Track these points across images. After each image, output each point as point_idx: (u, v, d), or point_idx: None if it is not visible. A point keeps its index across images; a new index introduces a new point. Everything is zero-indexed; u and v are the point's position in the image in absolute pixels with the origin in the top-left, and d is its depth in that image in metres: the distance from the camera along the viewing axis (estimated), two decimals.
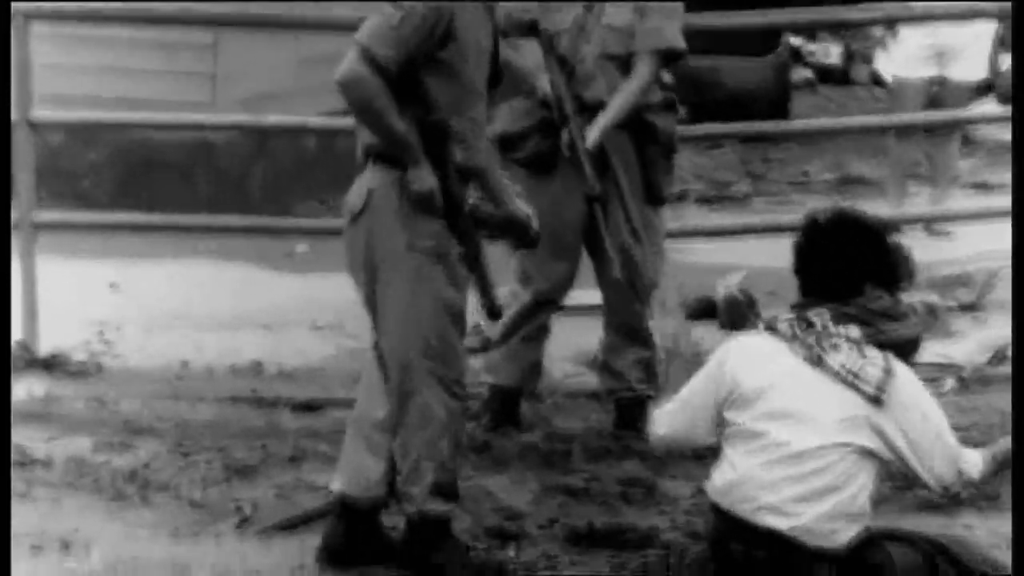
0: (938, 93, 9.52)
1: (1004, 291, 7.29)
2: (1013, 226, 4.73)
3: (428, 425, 4.32)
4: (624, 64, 5.41)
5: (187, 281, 7.80)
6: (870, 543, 4.15)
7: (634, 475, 5.12)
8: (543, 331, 5.60)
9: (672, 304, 6.96)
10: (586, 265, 5.59)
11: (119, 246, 8.01)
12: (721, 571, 4.28)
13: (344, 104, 4.30)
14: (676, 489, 4.90)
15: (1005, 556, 4.36)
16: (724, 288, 7.11)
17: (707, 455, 4.44)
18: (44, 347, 6.39)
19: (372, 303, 4.37)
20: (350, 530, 4.41)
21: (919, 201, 9.57)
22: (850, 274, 4.24)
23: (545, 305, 5.55)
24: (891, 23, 9.37)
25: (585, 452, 5.35)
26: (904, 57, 9.59)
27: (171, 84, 9.25)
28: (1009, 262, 7.49)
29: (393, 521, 4.51)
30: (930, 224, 8.80)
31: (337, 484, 4.44)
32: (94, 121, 8.12)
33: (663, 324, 5.85)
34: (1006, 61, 11.85)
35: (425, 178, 4.25)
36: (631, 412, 5.56)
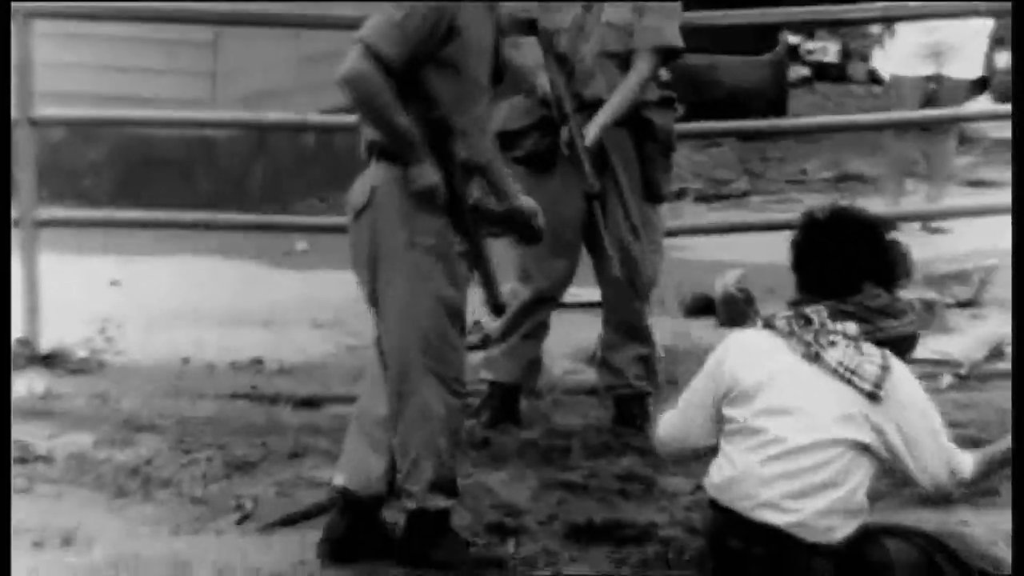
0: (935, 91, 9.53)
1: (1001, 288, 7.31)
2: (1013, 225, 4.73)
3: (427, 422, 4.31)
4: (623, 62, 5.41)
5: (188, 278, 7.80)
6: (868, 539, 4.15)
7: (633, 471, 5.12)
8: (542, 328, 5.60)
9: (671, 301, 6.97)
10: (585, 262, 5.58)
11: (120, 243, 8.02)
12: (719, 567, 4.28)
13: (347, 101, 4.30)
14: (675, 485, 4.90)
15: (1002, 552, 4.37)
16: (722, 285, 7.12)
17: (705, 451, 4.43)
18: (46, 344, 6.38)
19: (374, 300, 4.37)
20: (351, 525, 4.41)
21: (916, 198, 9.57)
22: (848, 271, 4.24)
23: (544, 302, 5.55)
24: (888, 21, 9.37)
25: (584, 448, 5.35)
26: (901, 55, 9.60)
27: (171, 82, 9.25)
28: (1006, 259, 7.52)
29: (393, 517, 4.51)
30: (927, 221, 8.81)
31: (339, 479, 4.44)
32: (95, 119, 8.13)
33: (662, 321, 5.85)
34: (1002, 59, 11.87)
35: (428, 174, 4.25)
36: (630, 408, 5.57)
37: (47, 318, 6.45)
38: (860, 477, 4.14)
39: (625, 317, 5.54)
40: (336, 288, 7.32)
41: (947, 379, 6.19)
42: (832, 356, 4.14)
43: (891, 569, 4.13)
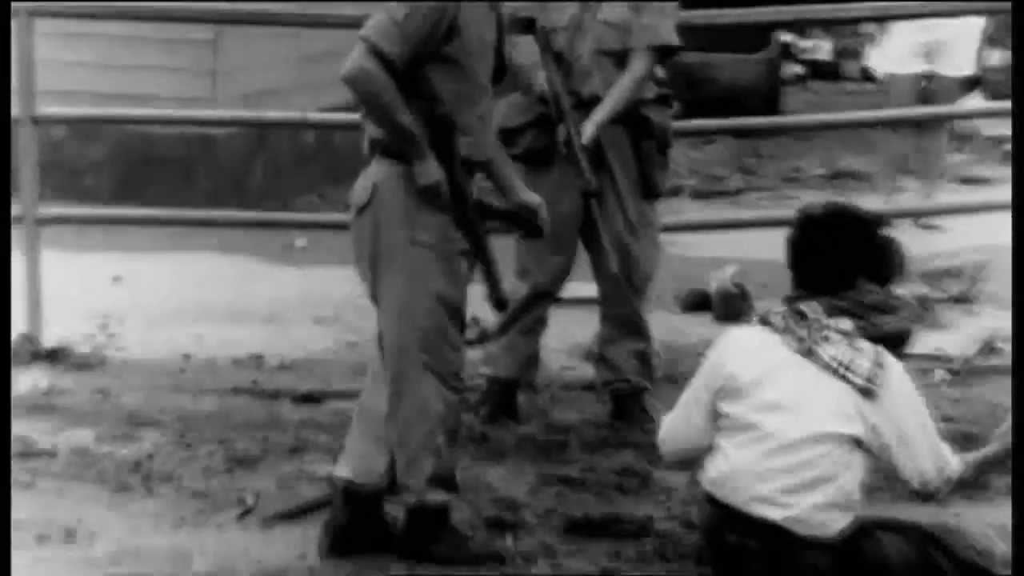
0: (927, 88, 9.53)
1: (993, 283, 7.31)
2: (1013, 224, 4.72)
3: (426, 418, 4.31)
4: (620, 60, 5.40)
5: (189, 275, 7.80)
6: (863, 533, 4.15)
7: (630, 465, 5.12)
8: (540, 323, 5.59)
9: (667, 297, 6.97)
10: (582, 258, 5.58)
11: (121, 240, 8.02)
12: (716, 561, 4.28)
13: (351, 99, 4.30)
14: (671, 479, 4.89)
15: (994, 544, 4.37)
16: (718, 281, 7.12)
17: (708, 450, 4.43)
18: (48, 340, 6.38)
19: (376, 296, 4.37)
20: (352, 517, 4.41)
21: (909, 195, 9.57)
22: (843, 268, 4.24)
23: (542, 298, 5.55)
24: (881, 20, 9.37)
25: (582, 443, 5.34)
26: (894, 53, 9.60)
27: (172, 80, 9.24)
28: (998, 255, 7.52)
29: (393, 513, 4.50)
30: (920, 217, 8.81)
31: (342, 472, 4.44)
32: (96, 117, 8.12)
33: (658, 317, 5.85)
34: (993, 57, 11.87)
35: (431, 171, 4.25)
36: (627, 403, 5.56)
37: (50, 315, 6.44)
38: (854, 471, 4.14)
39: (622, 313, 5.54)
40: (336, 284, 7.32)
41: (940, 374, 6.19)
42: (826, 352, 4.14)
43: (887, 563, 4.14)
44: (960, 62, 9.66)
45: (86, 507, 4.78)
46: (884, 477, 4.43)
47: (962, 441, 5.19)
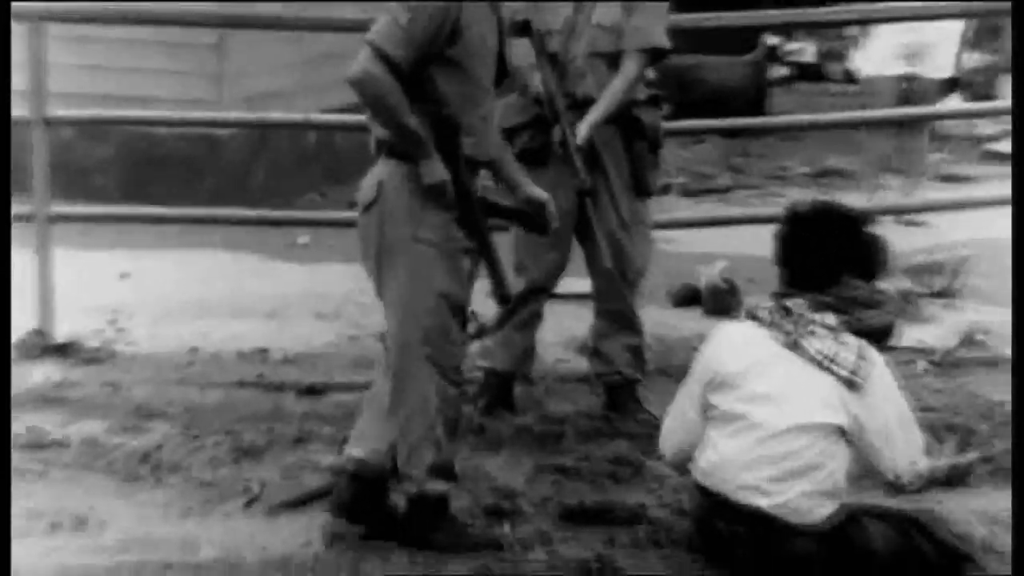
0: (908, 90, 9.54)
1: (974, 278, 7.32)
2: (1013, 222, 4.71)
3: (426, 410, 4.31)
4: (612, 62, 5.39)
5: (195, 271, 7.79)
6: (848, 519, 4.15)
7: (623, 455, 5.11)
8: (536, 318, 5.59)
9: (659, 292, 6.96)
10: (577, 254, 5.58)
11: (128, 238, 8.01)
12: (706, 547, 4.29)
13: (351, 100, 4.30)
14: (663, 468, 4.88)
15: (975, 530, 4.38)
16: (707, 276, 7.12)
17: None
18: (59, 335, 6.37)
19: (381, 291, 4.37)
20: (358, 495, 4.40)
21: (891, 193, 9.58)
22: (829, 265, 4.24)
23: (538, 293, 5.54)
24: (864, 23, 9.38)
25: (576, 433, 5.34)
26: (877, 55, 9.61)
27: (178, 83, 9.24)
28: (978, 250, 7.54)
29: (394, 503, 4.49)
30: (902, 214, 8.81)
31: (354, 450, 4.44)
32: (104, 118, 8.11)
33: (650, 311, 5.84)
34: (971, 59, 11.88)
35: (437, 171, 4.25)
36: (620, 395, 5.56)
37: (60, 310, 6.43)
38: (839, 460, 4.15)
39: (615, 307, 5.53)
40: (337, 280, 7.33)
41: (922, 365, 6.20)
42: (812, 345, 4.15)
43: (872, 548, 4.14)
44: (940, 64, 9.67)
45: (97, 496, 4.78)
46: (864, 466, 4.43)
47: (943, 430, 5.20)
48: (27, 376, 5.93)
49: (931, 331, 6.56)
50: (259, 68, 9.55)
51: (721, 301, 6.94)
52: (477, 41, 4.30)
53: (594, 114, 5.32)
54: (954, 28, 9.62)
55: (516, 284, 5.49)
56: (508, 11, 5.10)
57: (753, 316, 4.27)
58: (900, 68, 9.47)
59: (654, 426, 5.18)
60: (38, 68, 6.35)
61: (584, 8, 5.39)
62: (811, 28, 14.56)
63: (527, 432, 5.34)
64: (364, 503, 4.40)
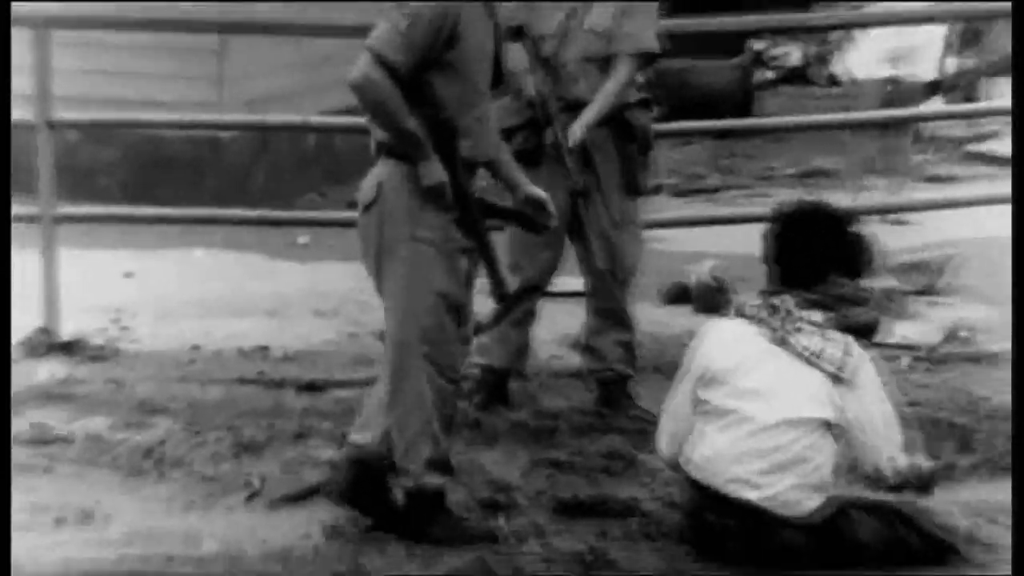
0: (891, 92, 9.55)
1: (956, 276, 7.32)
2: (1013, 222, 4.70)
3: (423, 405, 4.30)
4: (604, 66, 5.39)
5: (197, 270, 7.77)
6: (836, 512, 4.15)
7: (615, 449, 5.10)
8: (530, 315, 5.58)
9: (650, 290, 6.95)
10: (570, 253, 5.56)
11: (132, 238, 7.99)
12: (697, 539, 4.28)
13: (350, 102, 4.30)
14: (654, 462, 4.86)
15: (957, 521, 4.38)
16: (697, 275, 7.12)
17: None
18: (64, 333, 6.35)
19: (380, 289, 4.36)
20: (359, 479, 4.39)
21: (876, 193, 9.57)
22: (816, 264, 4.24)
23: (532, 291, 5.53)
24: (848, 27, 9.38)
25: (570, 428, 5.32)
26: (861, 59, 9.61)
27: (180, 86, 9.22)
28: (961, 249, 7.54)
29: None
30: (886, 214, 8.80)
31: (351, 437, 4.44)
32: (109, 121, 8.09)
33: (641, 309, 5.83)
34: (952, 63, 11.89)
35: (435, 172, 4.25)
36: (612, 391, 5.55)
37: (66, 309, 6.41)
38: (826, 454, 4.15)
39: (608, 304, 5.52)
40: (336, 279, 7.31)
41: (906, 361, 6.19)
42: (799, 342, 4.15)
43: (859, 540, 4.14)
44: (923, 68, 9.67)
45: (101, 491, 4.76)
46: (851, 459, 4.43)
47: (928, 425, 5.20)
48: (33, 373, 5.91)
49: (915, 328, 6.55)
50: (260, 71, 9.53)
51: (711, 299, 6.93)
52: (474, 46, 4.29)
53: (587, 116, 5.31)
54: (937, 33, 9.62)
55: (512, 283, 5.48)
56: (503, 17, 5.11)
57: (742, 313, 4.27)
58: (884, 71, 9.47)
59: (646, 421, 5.19)
60: (43, 72, 6.33)
61: (576, 13, 5.38)
62: (797, 32, 14.55)
63: (522, 427, 5.33)
64: (363, 489, 4.39)
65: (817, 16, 7.62)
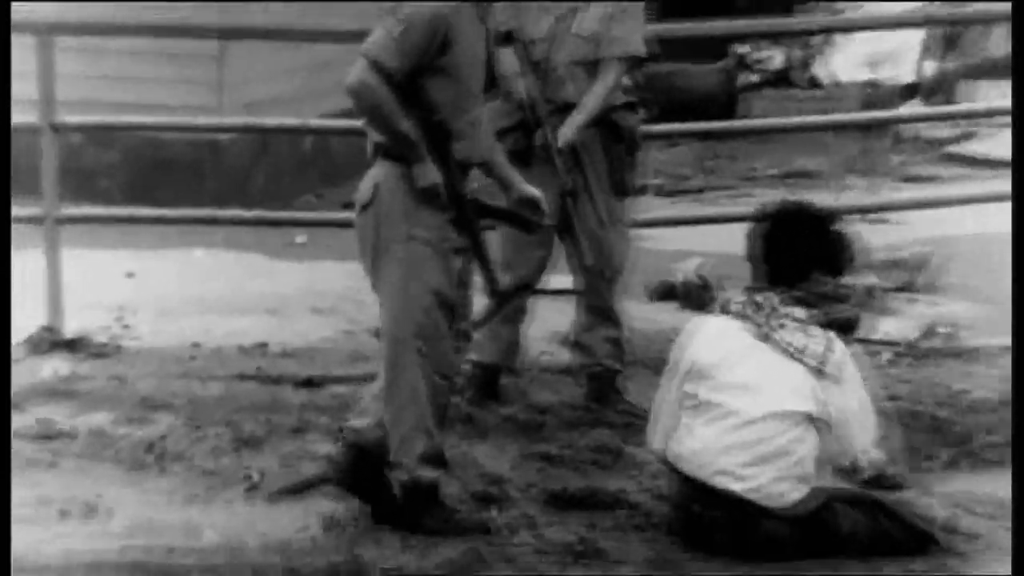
0: (871, 95, 9.54)
1: (935, 273, 7.32)
2: (1013, 221, 4.69)
3: (417, 401, 4.29)
4: (592, 69, 5.38)
5: (197, 269, 7.76)
6: (819, 503, 4.14)
7: (604, 442, 5.09)
8: (521, 312, 5.57)
9: (637, 288, 6.94)
10: (560, 252, 5.55)
11: (135, 238, 7.97)
12: (684, 529, 4.27)
13: (346, 106, 4.30)
14: (642, 455, 4.86)
15: (935, 512, 4.38)
16: (683, 272, 7.11)
17: None
18: (68, 330, 6.33)
19: (376, 287, 4.35)
20: (355, 461, 4.38)
21: (856, 192, 9.57)
22: (799, 262, 4.24)
23: (523, 289, 5.52)
24: (828, 32, 9.38)
25: (560, 422, 5.32)
26: (841, 63, 9.61)
27: (181, 90, 9.20)
28: (939, 247, 7.55)
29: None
30: (866, 213, 8.80)
31: (351, 423, 4.43)
32: (111, 125, 8.06)
33: (629, 306, 5.82)
34: (929, 66, 11.90)
35: (430, 173, 4.25)
36: (601, 386, 5.54)
37: (69, 307, 6.39)
38: (808, 446, 4.14)
39: (596, 302, 5.51)
40: (333, 278, 7.30)
41: (886, 356, 6.19)
42: (782, 337, 4.14)
43: (841, 531, 4.13)
44: (902, 71, 9.67)
45: (104, 484, 4.75)
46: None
47: (907, 417, 5.20)
48: (37, 370, 5.89)
49: (896, 324, 6.55)
50: (258, 76, 9.51)
51: (696, 296, 6.93)
52: (466, 51, 4.29)
53: (576, 119, 5.30)
54: (915, 37, 9.62)
55: (504, 281, 5.47)
56: (494, 22, 5.10)
57: (727, 310, 4.26)
58: (864, 75, 9.47)
59: (634, 415, 5.18)
60: (47, 77, 6.31)
61: (566, 18, 5.38)
62: (779, 36, 14.56)
63: (513, 421, 5.32)
64: (362, 475, 4.38)
65: (800, 21, 7.62)
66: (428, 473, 4.33)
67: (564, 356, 5.95)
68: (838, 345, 4.17)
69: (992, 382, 5.74)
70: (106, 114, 7.94)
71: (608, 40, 5.37)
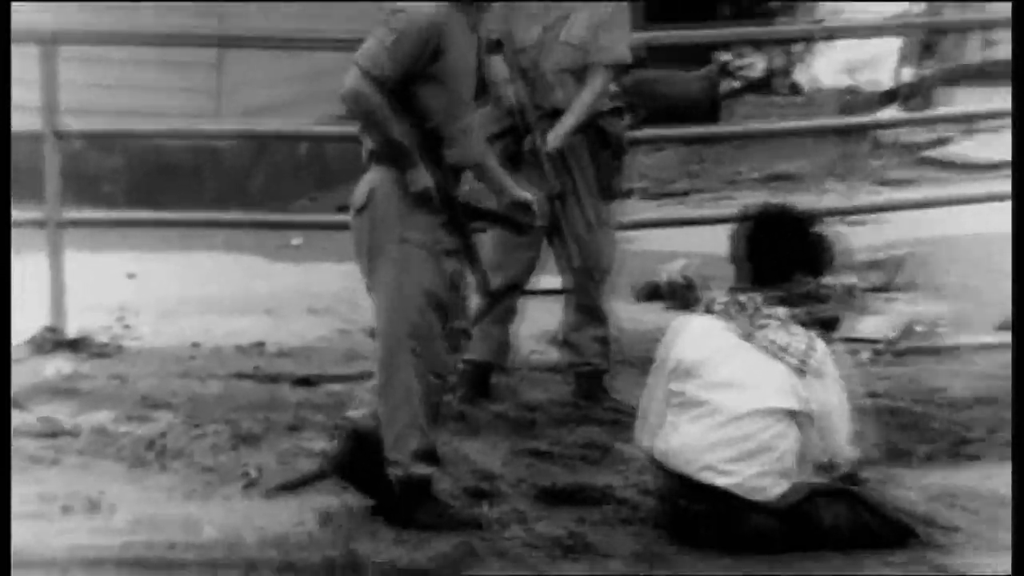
0: (850, 101, 9.55)
1: (911, 273, 7.32)
2: (1013, 218, 4.69)
3: (410, 399, 4.28)
4: (579, 76, 5.37)
5: (197, 271, 7.74)
6: (802, 497, 4.14)
7: (592, 439, 5.08)
8: (511, 312, 5.56)
9: (624, 288, 6.93)
10: (549, 253, 5.54)
11: (136, 240, 7.95)
12: (670, 524, 4.26)
13: (341, 113, 4.29)
14: (630, 451, 4.85)
15: (915, 505, 4.37)
16: (668, 273, 7.11)
17: None
18: (71, 331, 6.31)
19: (371, 288, 4.34)
20: (353, 450, 4.37)
21: (835, 195, 9.58)
22: (781, 263, 4.24)
23: (513, 289, 5.51)
24: (808, 40, 9.39)
25: (549, 419, 5.31)
26: (821, 69, 9.62)
27: (181, 97, 9.20)
28: (915, 249, 7.56)
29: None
30: (846, 215, 8.80)
31: (349, 413, 4.42)
32: (113, 131, 8.06)
33: (615, 306, 5.82)
34: (907, 73, 11.91)
35: (422, 178, 4.25)
36: (589, 383, 5.53)
37: (72, 308, 6.37)
38: (790, 442, 4.14)
39: (585, 301, 5.51)
40: (329, 279, 7.28)
41: (866, 354, 6.19)
42: (765, 336, 4.14)
43: (824, 524, 4.13)
44: (880, 77, 9.68)
45: (106, 481, 4.73)
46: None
47: (886, 414, 5.20)
48: (40, 370, 5.88)
49: (874, 323, 6.55)
50: (256, 83, 9.51)
51: (681, 296, 6.93)
52: (457, 59, 4.29)
53: (564, 124, 5.30)
54: (893, 44, 9.63)
55: (494, 281, 5.46)
56: (485, 30, 5.09)
57: (711, 310, 4.26)
58: (844, 81, 9.47)
59: (621, 412, 5.17)
60: (50, 85, 6.29)
61: (554, 27, 5.38)
62: (761, 43, 14.58)
63: (503, 418, 5.31)
64: (360, 464, 4.36)
65: (781, 29, 7.62)
66: (421, 469, 4.32)
67: (553, 355, 5.94)
68: (819, 344, 4.17)
69: (968, 379, 5.75)
70: (108, 121, 7.93)
71: (595, 48, 5.37)
